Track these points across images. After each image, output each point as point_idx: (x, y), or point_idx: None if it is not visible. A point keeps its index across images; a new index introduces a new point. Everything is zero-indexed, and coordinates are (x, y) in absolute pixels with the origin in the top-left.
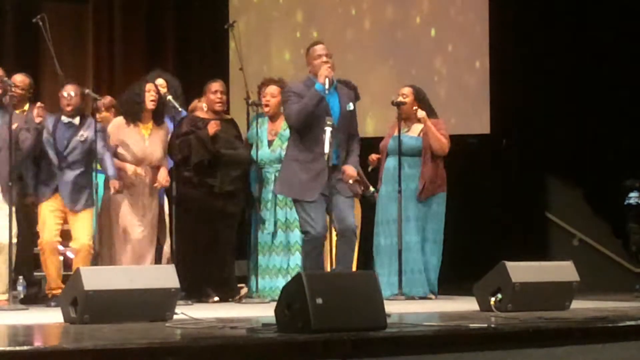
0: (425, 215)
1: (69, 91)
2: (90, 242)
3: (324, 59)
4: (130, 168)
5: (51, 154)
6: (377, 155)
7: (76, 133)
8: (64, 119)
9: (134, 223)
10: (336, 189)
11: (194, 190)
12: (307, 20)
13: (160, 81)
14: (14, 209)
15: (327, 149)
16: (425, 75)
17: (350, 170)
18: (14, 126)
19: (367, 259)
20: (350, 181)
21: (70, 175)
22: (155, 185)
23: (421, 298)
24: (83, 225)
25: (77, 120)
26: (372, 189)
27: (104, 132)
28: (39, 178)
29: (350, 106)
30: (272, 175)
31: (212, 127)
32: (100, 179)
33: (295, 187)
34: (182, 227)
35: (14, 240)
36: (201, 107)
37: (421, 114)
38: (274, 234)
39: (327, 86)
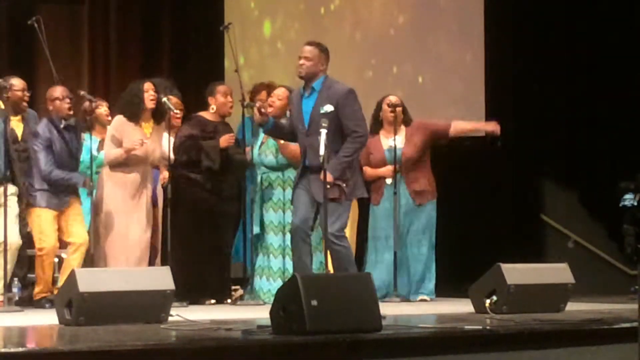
0: (423, 224)
1: (68, 94)
2: (87, 235)
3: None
4: (131, 144)
5: (43, 160)
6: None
7: (79, 136)
8: (66, 122)
9: (128, 223)
10: (311, 191)
11: (202, 193)
12: (286, 16)
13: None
14: (10, 212)
15: (322, 151)
16: (416, 76)
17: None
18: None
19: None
20: (328, 186)
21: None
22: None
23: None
24: (80, 220)
25: (73, 122)
26: None
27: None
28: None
29: (326, 108)
30: (259, 177)
31: (226, 141)
32: (94, 178)
33: None
34: (180, 228)
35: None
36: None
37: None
38: (260, 236)
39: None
